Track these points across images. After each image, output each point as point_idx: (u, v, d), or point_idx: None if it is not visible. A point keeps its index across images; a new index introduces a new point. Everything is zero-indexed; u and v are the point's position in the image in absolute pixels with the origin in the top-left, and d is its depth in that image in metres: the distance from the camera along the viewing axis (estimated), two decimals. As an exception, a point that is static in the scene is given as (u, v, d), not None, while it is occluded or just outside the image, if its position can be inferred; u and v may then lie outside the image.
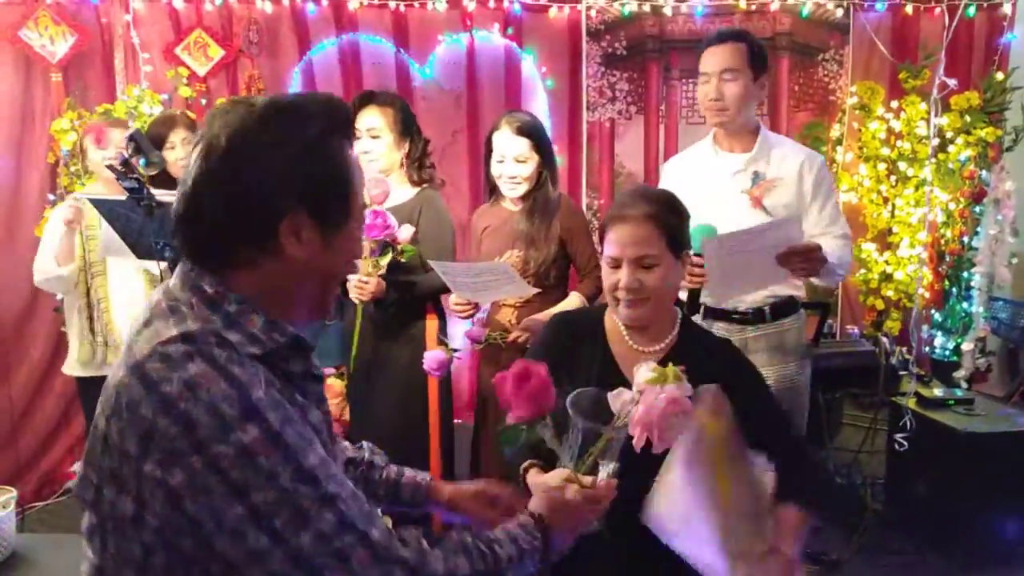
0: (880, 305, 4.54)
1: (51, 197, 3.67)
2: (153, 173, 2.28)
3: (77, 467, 1.05)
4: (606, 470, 1.22)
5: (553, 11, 4.36)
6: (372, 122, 2.62)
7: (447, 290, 2.60)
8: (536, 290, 2.51)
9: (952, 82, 3.63)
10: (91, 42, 3.82)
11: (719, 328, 2.40)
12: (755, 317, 2.36)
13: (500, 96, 4.41)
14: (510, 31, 4.35)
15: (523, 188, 2.60)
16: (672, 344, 1.58)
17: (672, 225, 1.56)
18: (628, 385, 1.26)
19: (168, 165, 3.07)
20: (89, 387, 2.98)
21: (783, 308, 2.39)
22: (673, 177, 2.46)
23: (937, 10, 4.57)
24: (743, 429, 1.34)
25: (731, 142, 2.38)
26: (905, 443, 2.72)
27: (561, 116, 4.49)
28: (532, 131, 2.60)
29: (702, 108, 2.37)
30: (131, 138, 2.21)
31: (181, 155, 3.03)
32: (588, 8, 4.39)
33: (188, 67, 3.93)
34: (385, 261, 2.49)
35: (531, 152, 2.56)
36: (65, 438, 3.86)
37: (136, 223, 2.32)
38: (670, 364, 1.25)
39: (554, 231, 2.60)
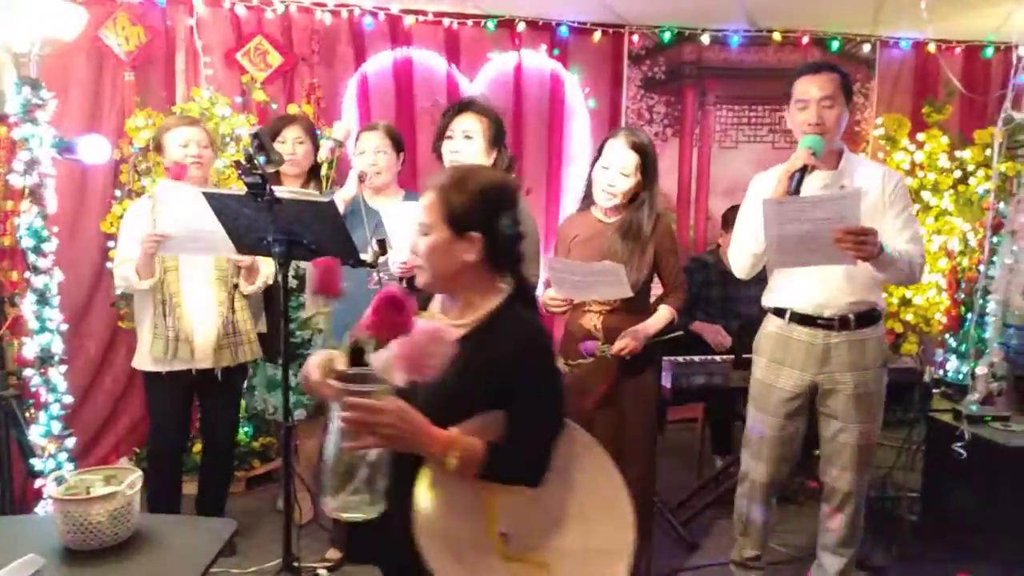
0: (899, 328, 4.73)
1: (117, 193, 3.70)
2: (273, 171, 2.34)
3: None
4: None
5: (597, 35, 4.52)
6: (469, 125, 2.66)
7: None
8: (631, 293, 2.55)
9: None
10: (157, 44, 3.89)
11: (801, 333, 2.54)
12: (840, 324, 2.50)
13: (544, 114, 4.55)
14: (556, 52, 4.51)
15: (616, 201, 2.64)
16: (476, 325, 1.58)
17: (453, 202, 1.57)
18: None
19: None
20: (156, 381, 2.98)
21: (866, 317, 2.52)
22: (761, 190, 2.58)
23: (957, 50, 4.83)
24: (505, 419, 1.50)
25: (819, 160, 2.49)
26: (963, 452, 2.87)
27: (600, 135, 4.61)
28: (644, 151, 2.62)
29: (797, 132, 2.50)
30: (255, 136, 2.26)
31: (289, 151, 3.14)
32: (630, 33, 4.56)
33: (247, 72, 4.03)
34: None
35: (636, 170, 2.60)
36: (113, 431, 3.90)
37: (246, 218, 2.38)
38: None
39: (649, 254, 2.66)
